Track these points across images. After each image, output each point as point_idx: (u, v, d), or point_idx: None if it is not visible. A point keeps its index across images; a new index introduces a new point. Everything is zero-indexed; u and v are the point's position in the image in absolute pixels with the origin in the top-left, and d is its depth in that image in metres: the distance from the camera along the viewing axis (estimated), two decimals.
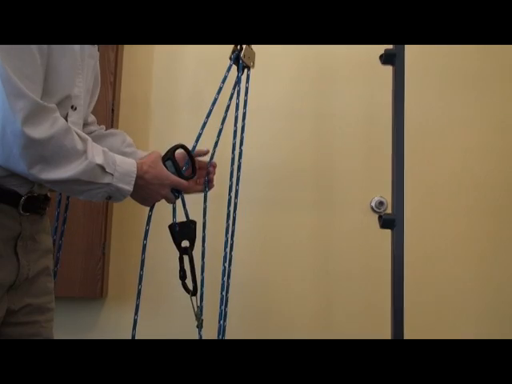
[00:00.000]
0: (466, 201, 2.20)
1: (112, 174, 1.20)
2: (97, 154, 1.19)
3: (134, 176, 1.23)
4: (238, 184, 1.47)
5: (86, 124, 1.42)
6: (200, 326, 1.40)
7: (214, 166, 1.48)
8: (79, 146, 1.16)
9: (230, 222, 1.46)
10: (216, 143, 1.46)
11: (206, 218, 1.49)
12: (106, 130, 1.53)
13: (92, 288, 2.07)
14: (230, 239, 1.45)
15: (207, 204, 1.49)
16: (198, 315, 1.40)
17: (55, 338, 1.33)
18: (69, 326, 2.10)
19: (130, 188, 1.23)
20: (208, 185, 1.47)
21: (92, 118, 1.50)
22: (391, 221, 1.43)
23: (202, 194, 1.49)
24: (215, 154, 1.47)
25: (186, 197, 1.42)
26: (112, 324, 2.14)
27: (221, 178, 1.50)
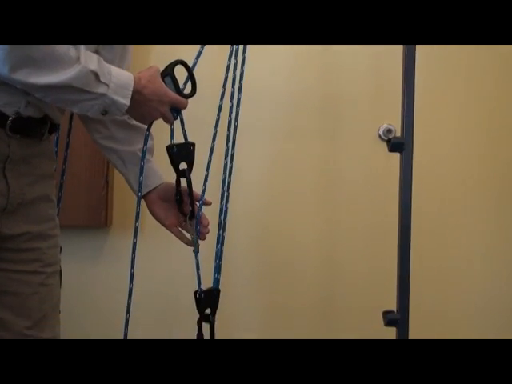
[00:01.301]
0: (477, 126, 2.15)
1: (107, 85, 1.14)
2: (90, 60, 1.13)
3: (131, 89, 1.17)
4: (238, 106, 1.41)
5: None
6: (196, 251, 1.38)
7: (206, 225, 1.40)
8: (72, 51, 1.10)
9: (230, 144, 1.41)
10: (228, 66, 1.41)
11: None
12: None
13: (96, 217, 2.06)
14: (228, 163, 1.41)
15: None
16: (194, 240, 1.37)
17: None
18: (74, 254, 2.09)
19: (126, 102, 1.17)
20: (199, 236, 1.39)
21: None
22: (400, 144, 1.40)
23: (202, 117, 1.44)
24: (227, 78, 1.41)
25: (186, 118, 1.36)
26: (117, 253, 2.13)
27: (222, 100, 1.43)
